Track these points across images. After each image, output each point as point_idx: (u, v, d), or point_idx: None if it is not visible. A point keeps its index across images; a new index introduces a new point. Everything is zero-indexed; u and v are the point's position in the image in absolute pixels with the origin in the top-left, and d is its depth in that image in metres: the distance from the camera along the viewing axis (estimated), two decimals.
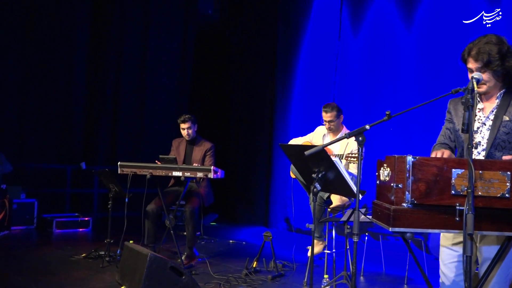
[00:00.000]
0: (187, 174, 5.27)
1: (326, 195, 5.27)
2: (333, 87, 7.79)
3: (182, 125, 5.97)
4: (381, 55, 7.20)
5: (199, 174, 5.24)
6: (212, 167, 5.20)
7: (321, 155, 3.09)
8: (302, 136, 5.82)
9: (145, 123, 9.29)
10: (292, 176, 5.61)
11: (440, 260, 2.77)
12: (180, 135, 6.09)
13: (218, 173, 5.33)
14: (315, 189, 3.21)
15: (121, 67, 9.10)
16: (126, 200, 5.37)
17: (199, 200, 5.67)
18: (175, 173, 5.30)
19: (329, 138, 5.52)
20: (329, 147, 5.14)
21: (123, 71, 9.10)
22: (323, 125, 5.58)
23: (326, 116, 5.40)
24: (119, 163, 5.52)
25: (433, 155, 2.69)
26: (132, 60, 9.20)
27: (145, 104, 9.30)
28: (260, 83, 9.25)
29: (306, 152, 2.81)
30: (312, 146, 2.90)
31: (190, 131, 5.96)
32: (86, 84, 8.82)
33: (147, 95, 9.32)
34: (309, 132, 5.83)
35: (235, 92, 9.84)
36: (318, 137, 5.60)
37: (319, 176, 3.21)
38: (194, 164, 5.70)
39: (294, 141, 5.76)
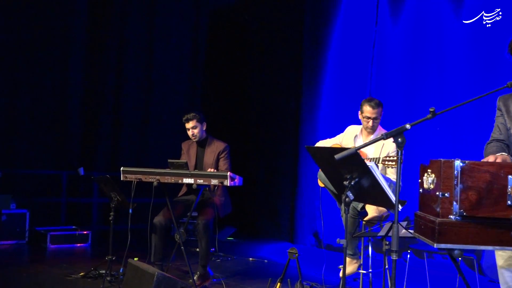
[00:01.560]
0: (200, 181, 5.28)
1: (361, 205, 5.25)
2: (369, 81, 7.76)
3: (186, 125, 5.99)
4: (426, 43, 7.16)
5: (214, 181, 5.26)
6: (228, 173, 5.21)
7: (354, 159, 3.07)
8: (331, 137, 5.81)
9: (152, 124, 9.34)
10: (321, 184, 5.59)
11: (502, 285, 2.73)
12: (187, 137, 6.10)
13: (236, 180, 5.34)
14: (347, 199, 3.20)
15: (123, 60, 9.16)
16: (130, 211, 5.41)
17: (214, 211, 5.68)
18: (186, 180, 5.32)
19: (362, 139, 5.50)
20: (362, 149, 5.12)
21: (125, 65, 9.16)
22: (358, 124, 5.56)
23: (372, 112, 5.34)
24: (122, 169, 5.55)
25: (486, 159, 2.67)
26: (136, 52, 9.25)
27: (151, 103, 9.35)
28: (284, 76, 9.24)
29: (337, 156, 2.80)
30: (343, 149, 2.90)
31: (195, 131, 5.97)
32: (84, 80, 8.88)
33: (154, 92, 9.37)
34: (342, 133, 5.81)
35: (255, 88, 9.85)
36: (348, 138, 5.58)
37: (352, 183, 3.20)
38: (208, 170, 5.72)
39: (321, 144, 5.73)
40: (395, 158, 4.82)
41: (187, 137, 6.16)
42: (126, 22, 9.16)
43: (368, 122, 5.38)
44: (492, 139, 2.89)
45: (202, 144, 6.08)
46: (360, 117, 5.47)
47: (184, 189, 6.08)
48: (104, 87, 9.01)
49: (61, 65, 8.71)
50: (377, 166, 5.10)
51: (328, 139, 5.81)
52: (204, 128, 6.05)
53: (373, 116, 5.34)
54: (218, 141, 6.06)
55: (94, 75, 8.98)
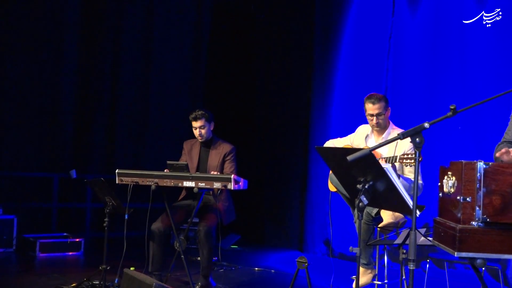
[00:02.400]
0: (202, 184, 5.30)
1: (375, 211, 5.25)
2: (385, 75, 7.76)
3: (194, 123, 6.00)
4: (447, 35, 7.15)
5: (217, 185, 5.27)
6: (232, 176, 5.22)
7: (368, 161, 3.08)
8: (342, 137, 5.81)
9: (150, 123, 9.34)
10: (332, 188, 5.59)
11: None
12: (193, 136, 6.11)
13: (240, 183, 5.35)
14: (360, 204, 3.21)
15: (119, 53, 9.16)
16: (126, 216, 5.41)
17: (217, 218, 5.69)
18: (187, 183, 5.34)
19: (373, 139, 5.50)
20: (376, 150, 5.12)
21: (121, 61, 9.16)
22: (367, 123, 5.56)
23: (373, 108, 5.37)
24: (117, 171, 5.57)
25: (499, 153, 2.67)
26: (133, 45, 9.25)
27: (149, 101, 9.35)
28: (293, 71, 9.25)
29: (349, 157, 2.81)
30: (356, 150, 2.90)
31: (203, 131, 5.98)
32: (77, 76, 8.88)
33: (152, 89, 9.36)
34: (353, 133, 5.81)
35: (261, 84, 9.86)
36: (359, 138, 5.58)
37: (366, 187, 3.20)
38: (211, 172, 5.73)
39: (330, 144, 5.74)
40: (413, 156, 4.82)
41: (188, 137, 6.17)
42: (123, 18, 9.15)
43: (372, 119, 5.41)
44: (503, 140, 2.89)
45: (207, 144, 6.08)
46: (366, 116, 5.49)
47: (184, 193, 6.09)
48: (99, 83, 9.01)
49: (52, 59, 8.71)
50: (394, 166, 5.11)
51: (338, 139, 5.81)
52: (212, 129, 6.06)
53: (376, 112, 5.36)
54: (224, 143, 6.07)
55: (88, 71, 8.97)
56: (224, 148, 6.01)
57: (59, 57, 8.75)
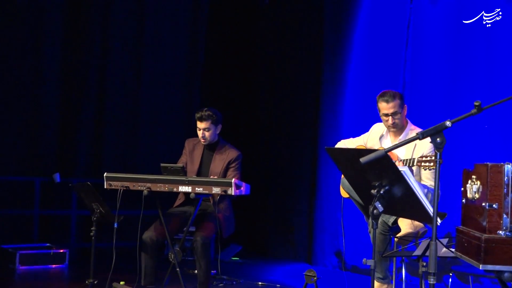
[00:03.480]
0: (199, 189, 5.30)
1: (392, 219, 5.25)
2: (403, 69, 7.75)
3: (199, 124, 5.99)
4: (471, 25, 7.14)
5: (216, 190, 5.27)
6: (233, 180, 5.21)
7: (384, 163, 3.08)
8: (355, 137, 5.81)
9: (141, 122, 9.31)
10: (344, 194, 5.60)
11: None
12: (192, 135, 6.11)
13: (242, 189, 5.35)
14: (375, 211, 3.21)
15: (107, 44, 9.14)
16: (115, 225, 5.42)
17: (215, 226, 5.70)
18: (182, 188, 5.34)
19: (389, 139, 5.50)
20: (393, 151, 5.12)
21: (110, 51, 9.14)
22: (381, 122, 5.57)
23: (387, 107, 5.37)
24: (105, 175, 5.57)
25: None
26: (123, 35, 9.24)
27: (140, 96, 9.32)
28: (300, 64, 9.24)
29: (363, 159, 2.81)
30: (370, 151, 2.90)
31: (207, 134, 5.98)
32: (60, 70, 8.87)
33: (144, 84, 9.34)
34: (366, 132, 5.81)
35: (265, 80, 9.85)
36: (373, 138, 5.58)
37: (381, 192, 3.20)
38: (211, 177, 5.73)
39: (342, 144, 5.74)
40: (433, 158, 4.81)
41: (184, 137, 6.17)
42: (111, 4, 9.14)
43: (387, 120, 5.41)
44: None
45: (211, 147, 6.09)
46: (380, 116, 5.49)
47: (180, 199, 6.10)
48: (84, 78, 8.99)
49: (32, 51, 8.72)
50: (411, 170, 5.10)
51: (351, 139, 5.81)
52: (218, 132, 6.06)
53: (391, 111, 5.36)
54: (230, 148, 6.08)
55: (72, 64, 8.96)
56: (230, 154, 6.02)
57: (39, 49, 8.74)
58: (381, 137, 5.59)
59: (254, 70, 10.12)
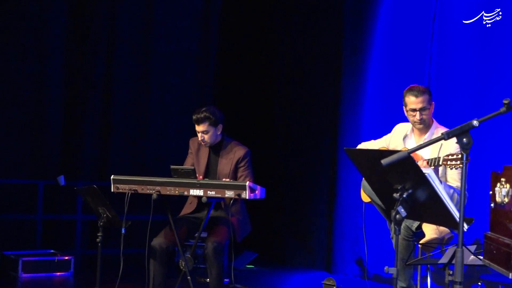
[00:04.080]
0: (211, 193, 5.31)
1: (416, 224, 5.24)
2: (428, 63, 7.73)
3: (196, 127, 5.96)
4: (503, 16, 7.11)
5: (229, 194, 5.28)
6: (247, 183, 5.22)
7: (406, 165, 3.08)
8: (376, 139, 5.80)
9: (150, 122, 9.32)
10: (365, 199, 5.59)
11: None
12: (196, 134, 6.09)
13: (257, 192, 5.35)
14: (397, 216, 3.20)
15: (114, 43, 9.12)
16: (123, 230, 5.44)
17: (229, 232, 5.69)
18: (194, 192, 5.35)
19: (413, 139, 5.50)
20: (417, 152, 5.11)
21: (117, 49, 9.13)
22: (408, 122, 5.56)
23: (416, 101, 5.36)
24: (112, 177, 5.59)
25: None
26: (130, 33, 9.25)
27: (150, 95, 9.32)
28: (319, 59, 9.23)
29: (384, 161, 2.81)
30: (392, 152, 2.90)
31: (206, 137, 5.93)
32: (65, 69, 8.89)
33: (153, 82, 9.34)
34: (389, 133, 5.80)
35: (282, 75, 9.84)
36: (397, 139, 5.57)
37: (404, 196, 3.20)
38: (224, 180, 5.71)
39: (363, 146, 5.73)
40: (459, 156, 4.80)
41: (193, 134, 6.14)
42: (117, 8, 9.16)
43: (414, 115, 5.40)
44: None
45: (216, 148, 6.07)
46: (405, 112, 5.48)
47: (191, 203, 6.10)
48: (90, 76, 9.01)
49: (36, 51, 8.74)
50: (437, 170, 5.09)
51: (372, 141, 5.81)
52: (219, 132, 6.01)
53: (419, 106, 5.36)
54: (236, 145, 6.05)
55: (78, 63, 8.97)
56: (237, 152, 5.98)
57: (43, 50, 8.77)
58: (404, 138, 5.58)
59: (269, 68, 10.10)
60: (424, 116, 5.40)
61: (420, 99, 5.37)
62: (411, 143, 5.53)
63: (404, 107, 5.50)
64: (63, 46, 8.87)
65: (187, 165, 5.97)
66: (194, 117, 5.94)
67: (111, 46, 9.16)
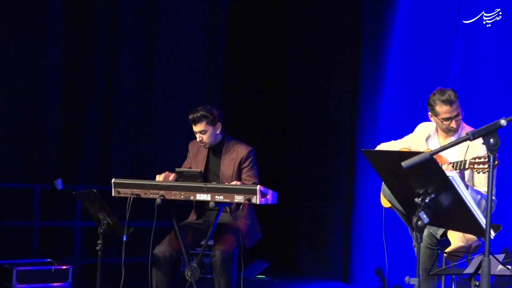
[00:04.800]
0: (219, 197, 5.31)
1: (441, 231, 5.23)
2: (453, 59, 7.72)
3: (194, 127, 5.97)
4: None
5: (238, 198, 5.28)
6: (258, 187, 5.21)
7: (429, 168, 3.07)
8: (397, 139, 5.79)
9: (154, 122, 9.33)
10: (385, 204, 5.58)
11: None
12: None
13: (268, 197, 5.35)
14: (419, 223, 3.20)
15: (116, 41, 9.16)
16: (125, 238, 5.45)
17: (238, 240, 5.70)
18: (201, 196, 5.36)
19: (437, 140, 5.48)
20: (441, 153, 5.10)
21: (118, 47, 9.17)
22: (428, 121, 5.55)
23: (450, 110, 5.29)
24: (113, 181, 5.61)
25: None
26: (133, 30, 9.27)
27: (153, 93, 9.33)
28: (335, 54, 9.23)
29: (405, 163, 2.81)
30: (414, 154, 2.90)
31: (204, 137, 5.93)
32: (63, 66, 8.89)
33: (157, 80, 9.35)
34: (411, 133, 5.79)
35: (295, 71, 9.85)
36: (419, 140, 5.56)
37: (426, 201, 3.20)
38: (235, 183, 5.70)
39: (383, 147, 5.73)
40: (486, 160, 4.78)
41: None
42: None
43: (448, 123, 5.35)
44: None
45: (216, 149, 6.06)
46: (433, 119, 5.44)
47: (196, 210, 6.10)
48: (90, 73, 9.02)
49: (32, 52, 8.78)
50: (462, 174, 5.08)
51: (393, 141, 5.80)
52: (218, 131, 6.00)
53: (454, 114, 5.32)
54: (239, 144, 6.04)
55: (76, 59, 9.00)
56: (240, 152, 5.97)
57: (41, 49, 8.79)
58: (427, 138, 5.56)
59: (282, 64, 10.11)
60: (459, 122, 5.37)
61: (454, 106, 5.31)
62: (435, 144, 5.51)
63: (432, 114, 5.41)
64: (62, 46, 8.90)
65: None
66: (190, 117, 5.95)
67: (113, 47, 9.18)
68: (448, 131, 5.43)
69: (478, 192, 5.16)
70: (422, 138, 5.56)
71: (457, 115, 5.33)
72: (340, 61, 9.18)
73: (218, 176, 5.98)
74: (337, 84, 9.19)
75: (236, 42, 10.16)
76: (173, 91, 9.46)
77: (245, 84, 10.32)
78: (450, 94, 5.35)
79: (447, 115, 5.32)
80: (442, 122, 5.37)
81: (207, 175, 6.01)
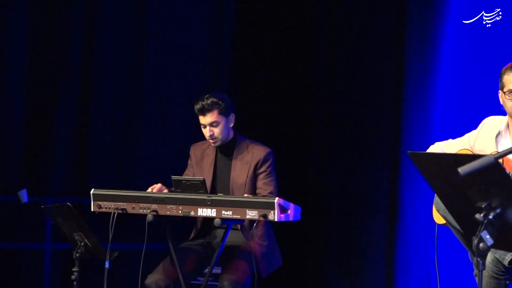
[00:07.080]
0: (227, 213, 5.32)
1: (509, 256, 5.22)
2: None
3: (202, 119, 5.96)
4: None
5: (251, 214, 5.29)
6: (276, 200, 5.22)
7: (494, 175, 3.07)
8: (454, 138, 5.79)
9: (143, 120, 9.37)
10: (438, 220, 5.57)
11: None
12: (203, 137, 6.11)
13: (289, 212, 5.36)
14: (481, 245, 3.20)
15: (95, 23, 9.26)
16: (107, 264, 5.47)
17: (250, 267, 5.71)
18: (203, 211, 5.36)
19: (509, 139, 5.44)
20: (510, 157, 5.08)
21: (98, 24, 9.26)
22: (502, 115, 5.53)
23: None
24: (92, 192, 5.63)
25: None
26: (118, 11, 9.36)
27: (143, 85, 9.37)
28: (374, 39, 9.24)
29: (462, 170, 2.80)
30: (475, 157, 2.90)
31: (216, 131, 5.94)
32: (29, 51, 9.00)
33: (147, 66, 9.42)
34: (474, 130, 5.77)
35: (324, 62, 9.86)
36: (486, 138, 5.53)
37: (490, 217, 3.19)
38: (246, 196, 5.71)
39: (437, 148, 5.71)
40: None
41: (200, 138, 6.17)
42: None
43: None
44: None
45: (226, 150, 6.09)
46: (502, 98, 5.39)
47: (198, 229, 6.12)
48: (62, 59, 9.10)
49: None
50: None
51: (450, 140, 5.77)
52: (231, 124, 6.02)
53: None
54: (254, 145, 6.06)
55: (45, 45, 9.09)
56: (256, 153, 5.98)
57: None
58: (497, 136, 5.45)
59: (306, 51, 10.13)
60: None
61: None
62: (506, 144, 5.42)
63: (500, 90, 5.39)
64: (28, 28, 8.99)
65: None
66: (197, 106, 5.95)
67: (91, 22, 9.26)
68: None
69: None
70: (491, 136, 5.45)
71: None
72: (379, 46, 9.20)
73: (227, 185, 5.98)
74: (376, 73, 9.21)
75: (248, 23, 10.20)
76: (167, 83, 9.49)
77: (258, 73, 10.32)
78: None
79: None
80: (507, 97, 5.28)
81: (214, 185, 6.03)
